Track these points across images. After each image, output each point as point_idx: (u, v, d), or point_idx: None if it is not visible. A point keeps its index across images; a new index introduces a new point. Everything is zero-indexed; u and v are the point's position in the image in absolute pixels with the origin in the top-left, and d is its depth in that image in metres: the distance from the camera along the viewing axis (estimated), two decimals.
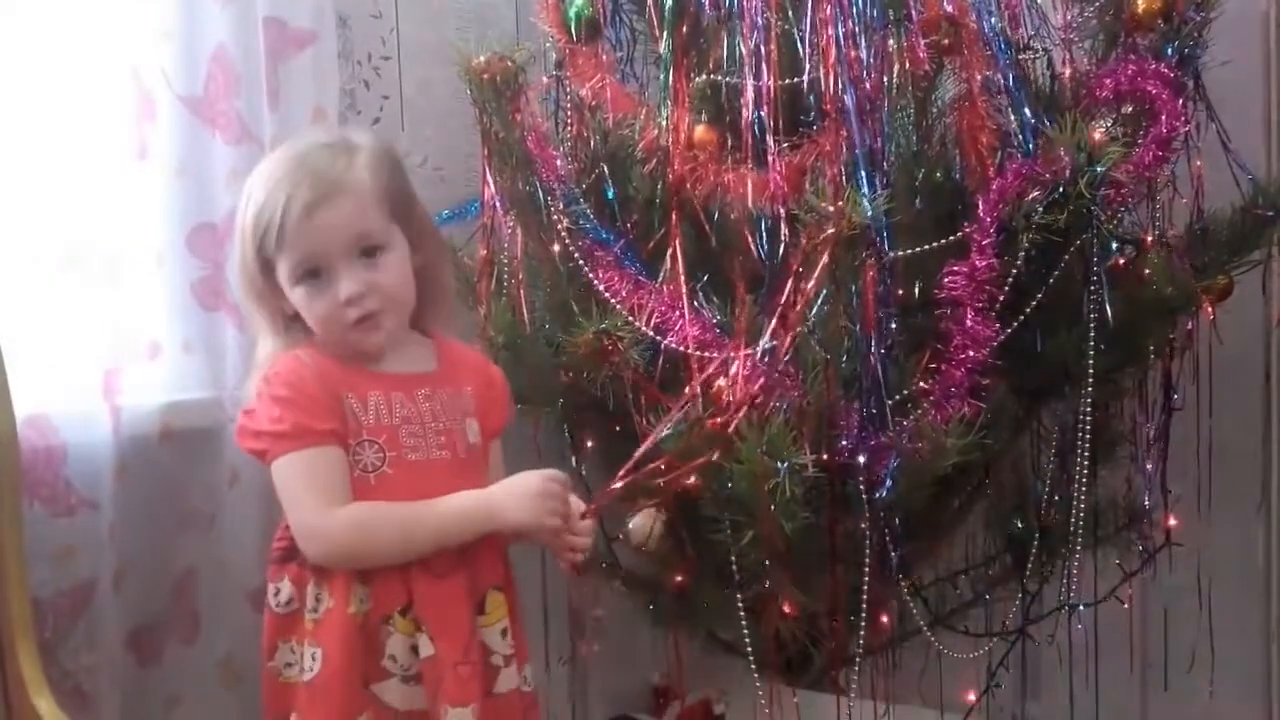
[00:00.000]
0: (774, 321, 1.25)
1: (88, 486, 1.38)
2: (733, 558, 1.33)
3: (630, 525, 1.46)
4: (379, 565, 1.12)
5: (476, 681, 1.14)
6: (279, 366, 1.14)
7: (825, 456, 1.27)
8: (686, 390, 1.34)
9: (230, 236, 1.50)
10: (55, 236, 1.37)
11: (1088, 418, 1.36)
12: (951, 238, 1.33)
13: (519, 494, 1.14)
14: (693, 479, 1.34)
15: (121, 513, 1.40)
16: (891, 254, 1.30)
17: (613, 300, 1.39)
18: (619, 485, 1.24)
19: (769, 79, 1.38)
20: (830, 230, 1.17)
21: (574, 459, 1.56)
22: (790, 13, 1.41)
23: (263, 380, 1.14)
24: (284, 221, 1.10)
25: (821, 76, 1.34)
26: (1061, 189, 1.26)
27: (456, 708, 1.12)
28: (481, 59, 1.40)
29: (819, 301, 1.24)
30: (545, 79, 1.53)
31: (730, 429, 1.23)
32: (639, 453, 1.24)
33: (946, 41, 1.35)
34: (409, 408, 1.16)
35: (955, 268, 1.30)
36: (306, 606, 1.14)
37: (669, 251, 1.39)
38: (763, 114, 1.37)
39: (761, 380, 1.25)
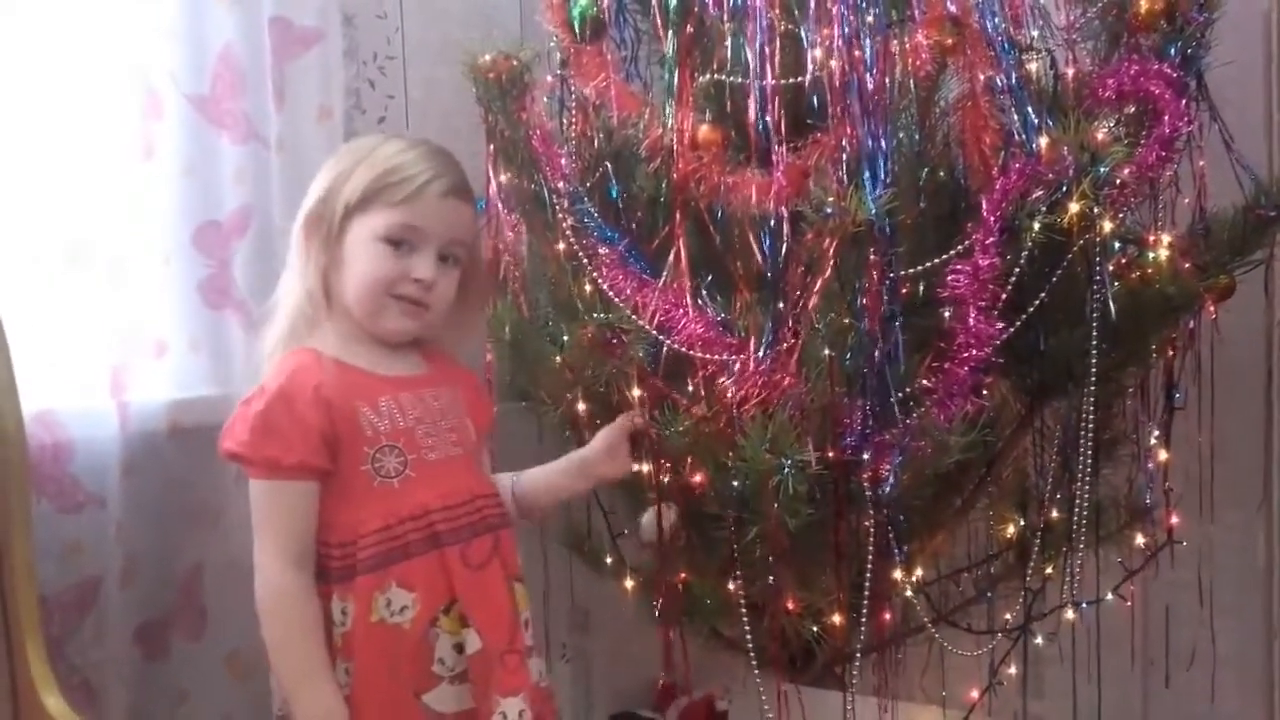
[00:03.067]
0: (779, 320, 1.26)
1: (95, 483, 1.38)
2: (736, 554, 1.34)
3: (642, 521, 1.46)
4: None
5: (525, 670, 1.16)
6: (285, 376, 1.13)
7: (829, 453, 1.27)
8: (690, 387, 1.35)
9: (238, 233, 1.52)
10: (62, 235, 1.38)
11: (1090, 416, 1.36)
12: (960, 247, 1.33)
13: None
14: (697, 476, 1.35)
15: (128, 509, 1.41)
16: (898, 264, 1.30)
17: (616, 298, 1.39)
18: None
19: (773, 79, 1.38)
20: (835, 225, 1.18)
21: None
22: (795, 12, 1.42)
23: (262, 389, 1.14)
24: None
25: (825, 76, 1.35)
26: (1064, 189, 1.27)
27: (509, 697, 1.13)
28: (487, 58, 1.41)
29: (824, 299, 1.25)
30: (550, 78, 1.54)
31: (735, 427, 1.24)
32: None
33: (950, 41, 1.35)
34: (419, 407, 1.18)
35: (959, 266, 1.30)
36: (335, 621, 1.13)
37: (673, 251, 1.40)
38: (767, 114, 1.38)
39: (766, 379, 1.26)
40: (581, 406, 1.43)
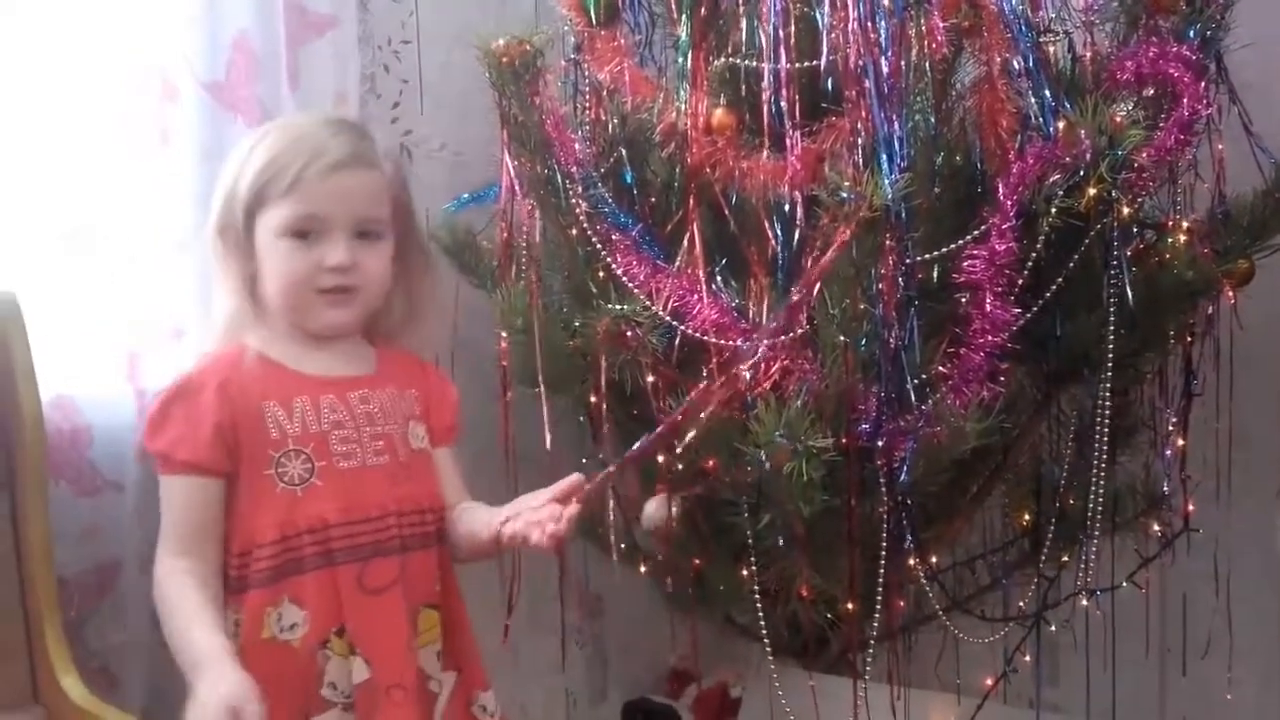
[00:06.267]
0: (792, 304, 1.25)
1: (112, 468, 1.39)
2: (750, 541, 1.34)
3: (647, 509, 1.46)
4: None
5: (412, 708, 1.08)
6: (194, 370, 1.10)
7: (844, 440, 1.27)
8: (705, 374, 1.34)
9: None
10: (80, 221, 1.39)
11: (1107, 403, 1.35)
12: (976, 232, 1.32)
13: (213, 693, 0.99)
14: (711, 462, 1.35)
15: (145, 494, 1.40)
16: (914, 249, 1.29)
17: (631, 284, 1.39)
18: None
19: (787, 62, 1.37)
20: (851, 210, 1.17)
21: (591, 442, 1.57)
22: None
23: (173, 380, 1.10)
24: (303, 171, 1.09)
25: (840, 59, 1.34)
26: (1082, 172, 1.26)
27: None
28: (500, 43, 1.40)
29: (839, 284, 1.24)
30: (564, 63, 1.53)
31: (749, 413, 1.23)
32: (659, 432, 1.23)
33: (966, 24, 1.34)
34: (340, 411, 1.11)
35: (975, 251, 1.30)
36: (227, 634, 1.07)
37: (687, 235, 1.39)
38: (781, 98, 1.37)
39: (780, 363, 1.25)
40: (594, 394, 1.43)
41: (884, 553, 1.31)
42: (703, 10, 1.42)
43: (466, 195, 1.65)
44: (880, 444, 1.28)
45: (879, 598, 1.33)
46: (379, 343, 1.21)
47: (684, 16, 1.41)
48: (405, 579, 1.11)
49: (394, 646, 1.09)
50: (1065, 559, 1.54)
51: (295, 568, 1.07)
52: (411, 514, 1.14)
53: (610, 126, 1.48)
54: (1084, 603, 1.52)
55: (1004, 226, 1.29)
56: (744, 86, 1.43)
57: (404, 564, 1.11)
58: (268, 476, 1.08)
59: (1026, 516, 1.57)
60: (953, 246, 1.33)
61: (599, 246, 1.41)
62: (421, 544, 1.14)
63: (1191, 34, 1.38)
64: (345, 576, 1.07)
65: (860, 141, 1.30)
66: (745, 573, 1.37)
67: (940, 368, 1.31)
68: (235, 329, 1.13)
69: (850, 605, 1.37)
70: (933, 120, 1.38)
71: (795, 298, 1.24)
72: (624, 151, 1.46)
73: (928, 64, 1.35)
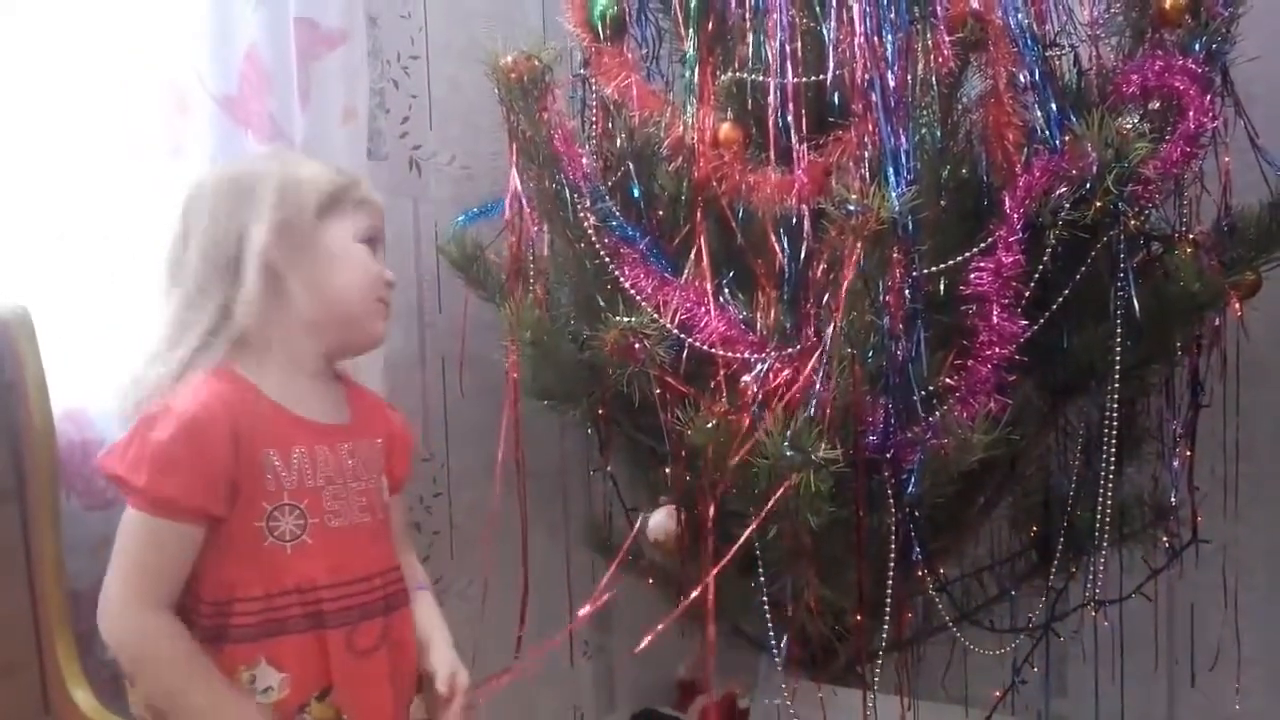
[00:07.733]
0: (800, 318, 1.26)
1: None
2: (758, 552, 1.34)
3: (650, 521, 1.47)
4: (139, 687, 1.03)
5: None
6: (197, 404, 1.01)
7: (851, 451, 1.27)
8: (713, 386, 1.35)
9: None
10: (92, 232, 1.40)
11: (1114, 414, 1.35)
12: (983, 244, 1.32)
13: None
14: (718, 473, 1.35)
15: None
16: (921, 262, 1.29)
17: (638, 297, 1.40)
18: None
19: (794, 76, 1.38)
20: (858, 223, 1.18)
21: (599, 453, 1.57)
22: (816, 9, 1.41)
23: (168, 411, 1.01)
24: (357, 188, 1.14)
25: (847, 73, 1.34)
26: (1088, 185, 1.26)
27: None
28: (509, 58, 1.41)
29: (847, 297, 1.24)
30: (571, 78, 1.54)
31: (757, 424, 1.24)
32: None
33: (972, 38, 1.35)
34: (332, 465, 1.08)
35: (982, 264, 1.30)
36: None
37: (694, 249, 1.40)
38: (788, 112, 1.38)
39: (788, 374, 1.26)
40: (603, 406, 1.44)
41: (892, 564, 1.31)
42: (709, 25, 1.42)
43: (475, 209, 1.66)
44: (888, 455, 1.28)
45: (887, 609, 1.33)
46: (346, 380, 1.19)
47: (691, 31, 1.42)
48: (393, 643, 1.09)
49: (380, 707, 1.07)
50: (1073, 570, 1.53)
51: (278, 628, 1.03)
52: (390, 571, 1.12)
53: (618, 140, 1.49)
54: (1092, 614, 1.52)
55: (1011, 239, 1.29)
56: (750, 100, 1.44)
57: (387, 624, 1.09)
58: (256, 529, 1.03)
59: (1034, 528, 1.57)
60: (960, 259, 1.34)
61: (607, 259, 1.42)
62: (401, 602, 1.13)
63: (1197, 47, 1.39)
64: (334, 639, 1.04)
65: (867, 155, 1.31)
66: (754, 584, 1.38)
67: (948, 379, 1.32)
68: (245, 344, 1.08)
69: (858, 616, 1.37)
70: (939, 133, 1.39)
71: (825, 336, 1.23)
72: (631, 165, 1.47)
73: (934, 78, 1.36)
